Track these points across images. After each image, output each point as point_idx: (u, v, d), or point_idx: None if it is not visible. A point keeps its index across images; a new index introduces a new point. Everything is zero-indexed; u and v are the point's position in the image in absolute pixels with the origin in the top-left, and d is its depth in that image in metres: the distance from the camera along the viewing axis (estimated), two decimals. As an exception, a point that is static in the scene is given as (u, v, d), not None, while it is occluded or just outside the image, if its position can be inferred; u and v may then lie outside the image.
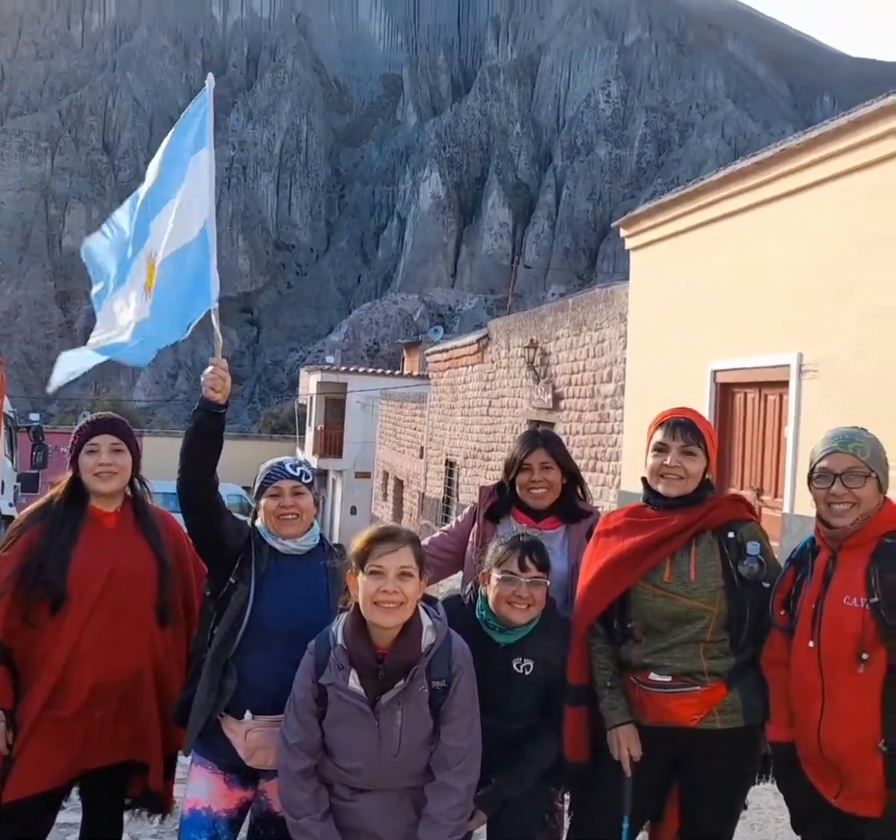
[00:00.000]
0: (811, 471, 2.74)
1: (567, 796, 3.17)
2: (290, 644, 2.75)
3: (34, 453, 14.93)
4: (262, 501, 2.97)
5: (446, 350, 20.81)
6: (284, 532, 2.95)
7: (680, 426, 2.88)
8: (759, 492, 8.96)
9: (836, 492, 2.66)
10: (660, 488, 2.88)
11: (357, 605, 2.62)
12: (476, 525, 3.47)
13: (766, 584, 2.78)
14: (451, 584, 3.90)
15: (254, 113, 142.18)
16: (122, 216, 3.46)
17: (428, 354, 23.03)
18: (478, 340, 18.08)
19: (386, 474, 27.42)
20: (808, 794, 2.72)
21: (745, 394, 9.35)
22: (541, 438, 3.44)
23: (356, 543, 2.65)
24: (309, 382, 35.99)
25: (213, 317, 3.02)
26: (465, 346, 19.12)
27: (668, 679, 2.80)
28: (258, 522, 3.02)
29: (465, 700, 2.67)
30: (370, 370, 35.92)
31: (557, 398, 13.93)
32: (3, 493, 13.61)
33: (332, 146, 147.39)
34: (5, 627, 2.98)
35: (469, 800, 2.70)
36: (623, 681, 2.91)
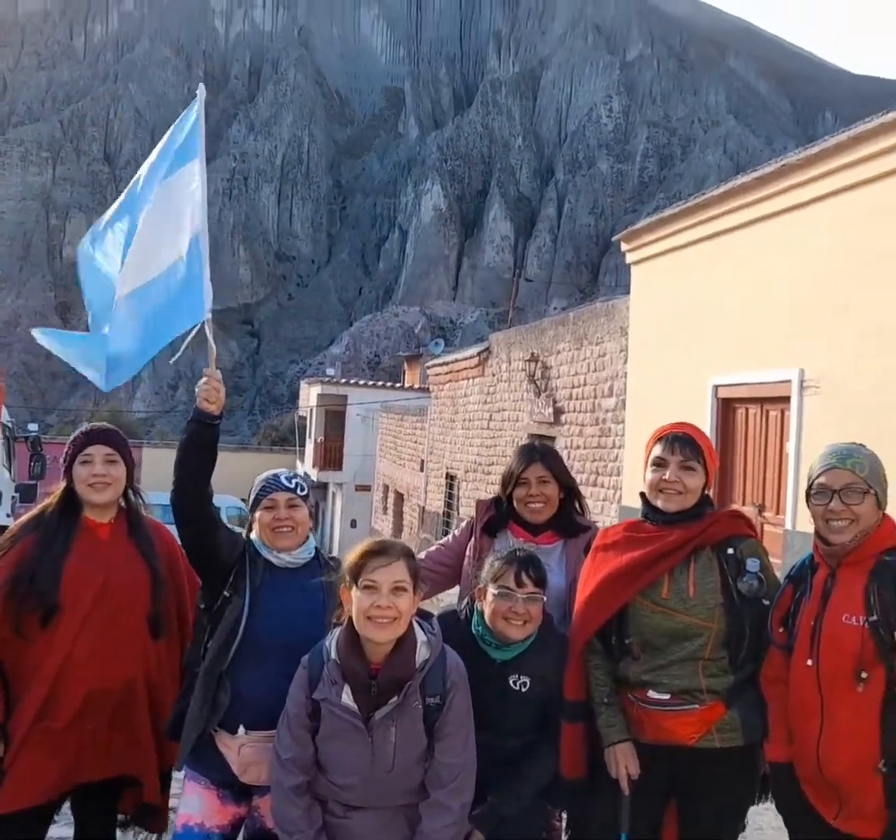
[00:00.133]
0: (809, 487, 2.72)
1: (564, 814, 3.13)
2: (285, 658, 2.72)
3: (32, 464, 14.90)
4: (257, 514, 2.95)
5: (447, 363, 20.81)
6: (279, 545, 2.93)
7: (679, 441, 2.86)
8: (761, 508, 8.93)
9: (835, 508, 2.64)
10: (658, 503, 2.86)
11: (351, 619, 2.59)
12: (473, 539, 3.45)
13: (766, 602, 2.76)
14: (450, 598, 3.88)
15: (255, 124, 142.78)
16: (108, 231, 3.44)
17: (428, 367, 23.03)
18: (479, 354, 18.07)
19: (386, 487, 27.37)
20: (807, 815, 2.69)
21: (747, 409, 9.33)
22: (538, 452, 3.42)
23: (350, 557, 2.62)
24: (309, 394, 35.98)
25: (207, 328, 3.01)
26: (465, 359, 19.11)
27: (667, 697, 2.78)
28: (253, 535, 2.99)
29: (460, 717, 2.64)
30: (371, 383, 35.91)
31: (558, 412, 13.91)
32: (0, 503, 13.58)
33: (333, 158, 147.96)
34: None
35: (464, 818, 2.67)
36: (621, 698, 2.88)
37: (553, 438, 13.58)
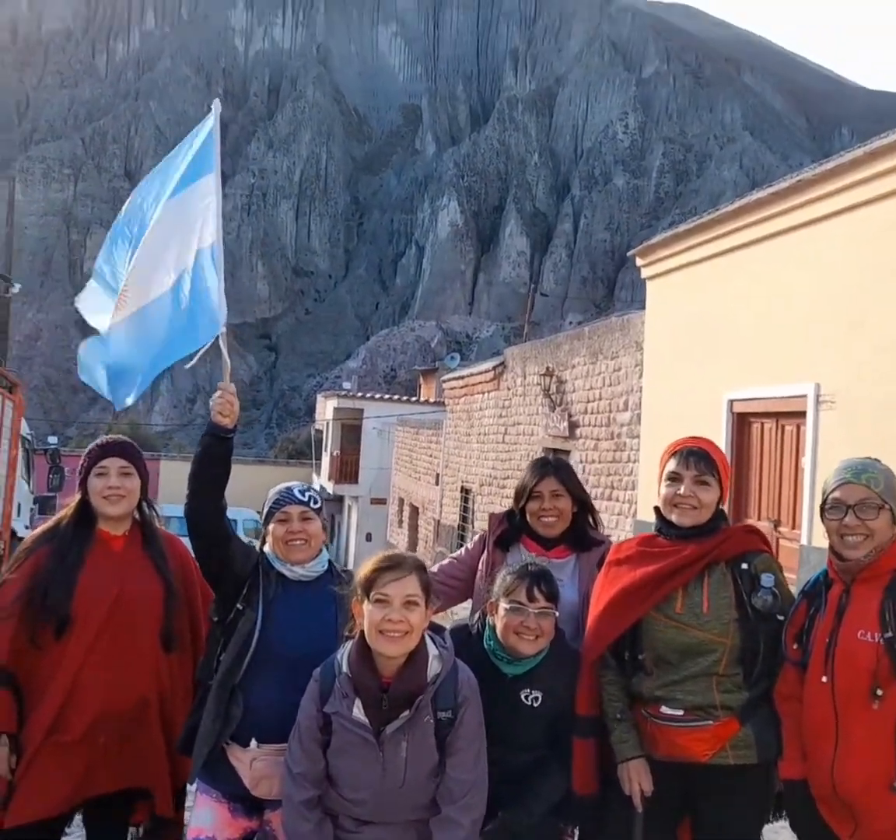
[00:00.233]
0: (824, 502, 2.71)
1: (576, 831, 3.11)
2: (297, 671, 2.72)
3: (51, 476, 14.99)
4: (271, 527, 2.95)
5: (462, 377, 20.82)
6: (293, 558, 2.93)
7: (693, 455, 2.84)
8: (777, 523, 8.88)
9: (849, 523, 2.62)
10: (673, 518, 2.85)
11: (363, 633, 2.59)
12: (486, 553, 3.44)
13: (781, 617, 2.73)
14: (464, 612, 3.86)
15: (274, 142, 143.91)
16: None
17: (444, 381, 23.05)
18: (494, 368, 18.08)
19: (401, 501, 27.36)
20: (822, 834, 2.66)
21: (762, 424, 9.28)
22: (552, 466, 3.41)
23: (362, 571, 2.62)
24: (326, 408, 36.07)
25: (221, 342, 3.02)
26: (481, 373, 19.12)
27: (680, 713, 2.75)
28: (266, 548, 2.99)
29: (471, 732, 2.63)
30: (387, 396, 35.96)
31: (573, 426, 13.89)
32: (19, 515, 13.65)
33: (351, 174, 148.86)
34: (11, 650, 2.97)
35: (475, 834, 2.65)
36: (634, 713, 2.86)
37: (568, 452, 13.55)
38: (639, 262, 11.79)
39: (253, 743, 2.81)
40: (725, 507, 2.95)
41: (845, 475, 2.67)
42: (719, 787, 2.75)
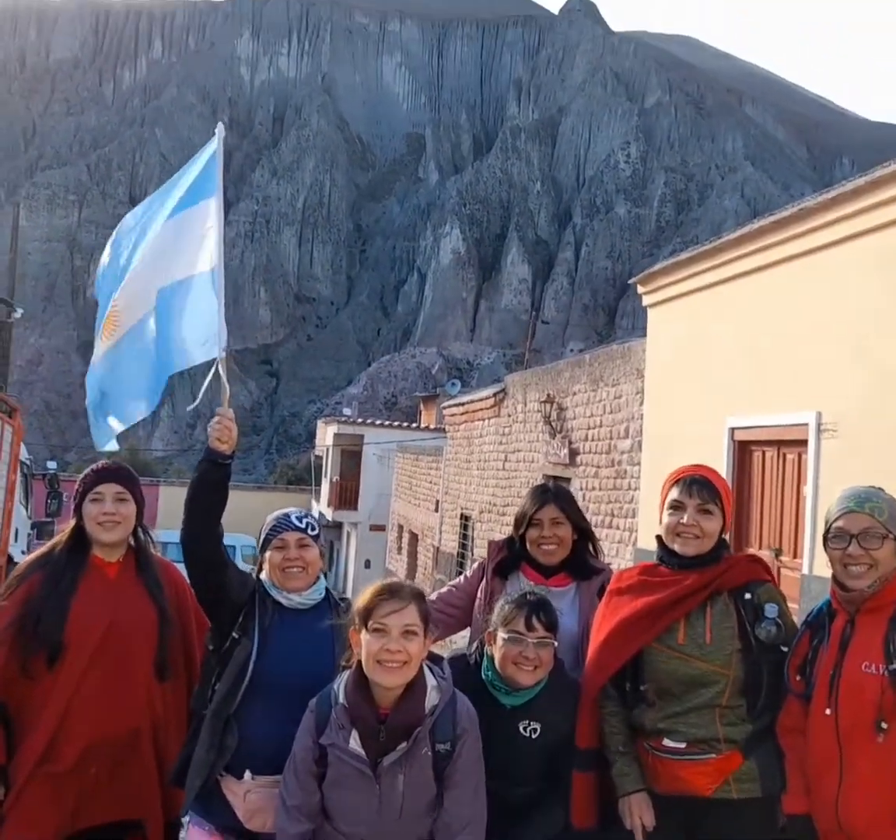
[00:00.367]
0: (827, 531, 2.68)
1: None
2: (293, 701, 2.67)
3: (49, 501, 14.93)
4: (267, 554, 2.92)
5: (463, 404, 20.82)
6: (290, 585, 2.89)
7: (696, 483, 2.82)
8: (778, 552, 8.82)
9: (853, 553, 2.59)
10: (676, 547, 2.81)
11: (360, 663, 2.55)
12: (484, 581, 3.40)
13: (785, 648, 2.70)
14: (462, 640, 3.82)
15: (278, 169, 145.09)
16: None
17: (445, 408, 23.05)
18: (494, 394, 18.08)
19: (401, 527, 27.26)
20: (827, 870, 2.61)
21: (764, 452, 9.25)
22: (552, 493, 3.39)
23: (360, 600, 2.58)
24: (326, 434, 36.06)
25: (220, 367, 3.00)
26: (481, 399, 19.12)
27: (683, 745, 2.71)
28: (263, 575, 2.96)
29: (470, 764, 2.58)
30: (387, 423, 35.96)
31: (574, 453, 13.85)
32: (16, 540, 13.58)
33: (354, 202, 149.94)
34: (2, 679, 2.93)
35: None
36: (635, 746, 2.81)
37: (568, 480, 13.51)
38: (640, 289, 11.82)
39: (247, 775, 2.76)
40: (728, 536, 2.91)
41: (848, 504, 2.64)
42: (723, 822, 2.70)
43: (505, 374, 25.77)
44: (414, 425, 34.65)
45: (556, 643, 2.85)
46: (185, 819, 2.95)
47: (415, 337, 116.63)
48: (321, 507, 33.71)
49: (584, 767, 2.82)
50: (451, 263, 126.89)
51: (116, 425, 3.30)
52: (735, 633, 2.71)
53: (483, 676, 2.89)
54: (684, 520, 2.79)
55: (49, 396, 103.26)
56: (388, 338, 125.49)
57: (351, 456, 32.61)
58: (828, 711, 2.55)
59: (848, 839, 2.54)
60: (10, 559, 10.45)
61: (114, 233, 3.47)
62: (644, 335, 12.07)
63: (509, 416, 17.20)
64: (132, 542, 3.21)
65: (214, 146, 3.21)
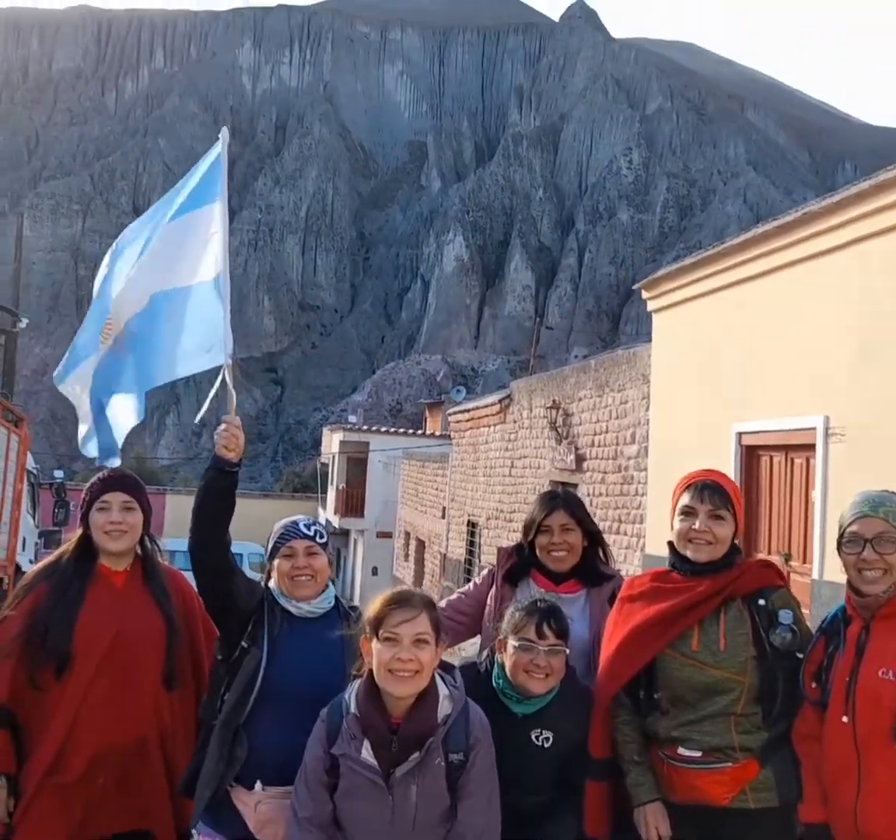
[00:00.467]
0: (840, 535, 2.64)
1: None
2: (304, 711, 2.64)
3: (56, 510, 14.92)
4: (276, 562, 2.89)
5: (468, 410, 20.80)
6: (298, 594, 2.86)
7: (708, 489, 2.79)
8: (787, 557, 8.78)
9: (867, 558, 2.56)
10: (688, 553, 2.78)
11: (371, 672, 2.52)
12: (494, 588, 3.38)
13: (800, 655, 2.66)
14: (473, 648, 3.79)
15: (281, 178, 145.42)
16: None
17: (450, 414, 23.03)
18: (500, 401, 18.06)
19: (407, 534, 27.23)
20: (845, 880, 2.57)
21: (771, 457, 9.22)
22: (561, 499, 3.36)
23: (370, 608, 2.55)
24: (331, 441, 36.04)
25: (226, 374, 2.97)
26: (487, 406, 19.10)
27: (698, 754, 2.67)
28: (271, 583, 2.93)
29: (484, 774, 2.55)
30: (392, 430, 35.95)
31: (580, 459, 13.83)
32: (24, 549, 13.57)
33: (357, 210, 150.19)
34: (11, 689, 2.91)
35: None
36: (649, 755, 2.78)
37: (575, 485, 13.48)
38: (645, 294, 11.80)
39: (258, 785, 2.73)
40: (739, 542, 2.89)
41: (862, 508, 2.61)
42: (740, 832, 2.66)
43: (509, 380, 25.77)
44: (419, 432, 34.64)
45: (567, 651, 2.82)
46: (195, 831, 2.92)
47: (419, 344, 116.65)
48: (327, 514, 33.68)
49: (598, 777, 2.79)
50: (455, 270, 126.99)
51: (118, 435, 3.26)
52: (749, 640, 2.68)
53: (494, 685, 2.86)
54: (696, 525, 2.76)
55: (55, 406, 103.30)
56: (392, 345, 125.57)
57: (357, 463, 32.59)
58: (845, 719, 2.52)
59: (866, 848, 2.50)
60: (17, 568, 10.46)
61: (114, 243, 3.44)
62: (648, 341, 12.05)
63: (515, 422, 17.18)
64: (139, 551, 3.19)
65: (218, 150, 3.17)
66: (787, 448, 8.89)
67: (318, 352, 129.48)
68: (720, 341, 9.87)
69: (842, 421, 7.86)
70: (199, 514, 2.82)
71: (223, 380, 2.95)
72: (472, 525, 19.66)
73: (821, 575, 7.93)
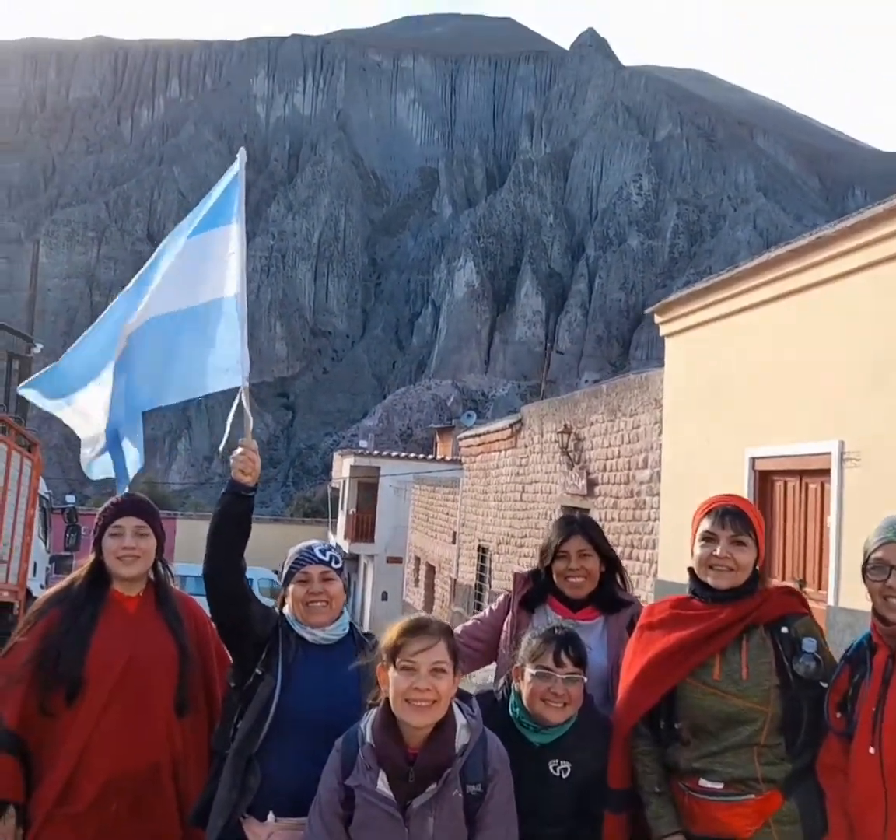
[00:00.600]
0: (865, 562, 2.59)
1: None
2: (318, 740, 2.59)
3: (67, 535, 14.91)
4: (290, 588, 2.85)
5: (479, 435, 20.76)
6: (313, 620, 2.82)
7: (729, 514, 2.74)
8: (802, 583, 8.68)
9: (893, 585, 2.51)
10: (709, 580, 2.73)
11: (387, 701, 2.47)
12: (510, 614, 3.33)
13: (824, 684, 2.60)
14: (485, 673, 3.73)
15: (294, 204, 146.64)
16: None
17: (461, 439, 22.99)
18: (511, 425, 18.02)
19: (418, 559, 27.11)
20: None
21: (785, 482, 9.15)
22: (578, 524, 3.32)
23: (387, 636, 2.50)
24: (342, 466, 36.02)
25: (244, 398, 2.95)
26: (497, 430, 19.06)
27: (720, 786, 2.61)
28: (286, 610, 2.89)
29: (502, 806, 2.49)
30: (403, 454, 35.92)
31: (592, 484, 13.76)
32: (35, 574, 13.55)
33: (369, 236, 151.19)
34: (21, 716, 2.88)
35: None
36: (670, 786, 2.72)
37: (587, 510, 13.41)
38: (657, 319, 11.78)
39: (270, 816, 2.68)
40: (760, 568, 2.83)
41: (887, 534, 2.56)
42: None
43: (519, 405, 25.75)
44: (430, 457, 34.60)
45: (585, 679, 2.77)
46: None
47: (430, 369, 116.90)
48: (338, 539, 33.59)
49: (617, 809, 2.73)
50: (466, 296, 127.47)
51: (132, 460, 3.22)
52: (772, 669, 2.62)
53: (510, 714, 2.81)
54: (717, 552, 2.71)
55: (68, 430, 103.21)
56: (403, 370, 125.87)
57: (367, 488, 32.55)
58: (871, 750, 2.45)
59: (893, 882, 2.43)
60: (28, 594, 10.42)
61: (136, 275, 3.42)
62: (658, 366, 12.02)
63: (526, 446, 17.13)
64: (152, 576, 3.16)
65: (236, 170, 3.17)
66: (801, 473, 8.82)
67: (329, 377, 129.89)
68: (733, 366, 9.83)
69: (857, 445, 7.80)
70: (214, 540, 2.78)
71: (239, 403, 2.93)
72: (482, 550, 19.57)
73: (836, 601, 7.83)
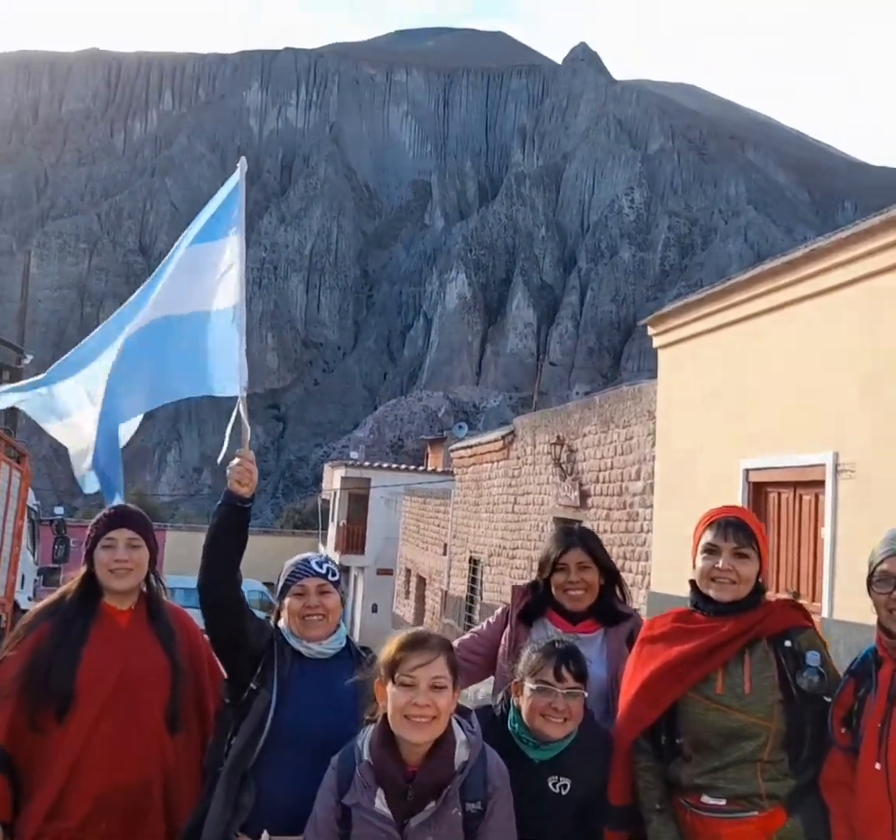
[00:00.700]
0: (871, 574, 2.57)
1: None
2: (315, 757, 2.54)
3: (56, 547, 14.80)
4: (286, 601, 2.80)
5: (471, 446, 20.72)
6: (309, 634, 2.77)
7: (731, 526, 2.70)
8: (796, 595, 8.65)
9: None
10: (711, 593, 2.69)
11: (385, 716, 2.41)
12: (508, 627, 3.29)
13: (828, 699, 2.57)
14: (485, 687, 3.68)
15: (286, 217, 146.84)
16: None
17: (452, 450, 22.95)
18: (503, 437, 17.99)
19: (408, 571, 27.02)
20: None
21: (779, 494, 9.13)
22: (577, 536, 3.28)
23: (386, 650, 2.45)
24: (333, 477, 35.94)
25: (241, 407, 2.92)
26: (490, 442, 19.03)
27: (723, 802, 2.57)
28: (281, 623, 2.84)
29: (502, 824, 2.44)
30: (394, 466, 35.86)
31: (584, 496, 13.73)
32: (23, 586, 13.44)
33: (361, 248, 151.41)
34: (10, 732, 2.82)
35: None
36: (671, 803, 2.67)
37: (579, 522, 13.36)
38: (651, 331, 11.78)
39: (265, 835, 2.62)
40: (764, 580, 2.80)
41: (893, 546, 2.54)
42: None
43: (510, 416, 25.77)
44: (421, 468, 34.54)
45: (586, 694, 2.72)
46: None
47: (421, 381, 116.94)
48: (328, 550, 33.47)
49: (617, 825, 2.69)
50: (457, 308, 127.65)
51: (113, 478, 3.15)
52: (775, 683, 2.58)
53: (509, 729, 2.76)
54: (720, 564, 2.67)
55: (57, 442, 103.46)
56: (394, 382, 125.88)
57: (358, 499, 32.47)
58: (877, 765, 2.42)
59: (897, 899, 2.39)
60: (16, 606, 10.32)
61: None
62: (649, 377, 12.02)
63: (518, 458, 17.10)
64: (144, 589, 3.10)
65: (236, 180, 3.15)
66: (795, 484, 8.81)
67: (320, 388, 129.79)
68: (727, 377, 9.83)
69: (851, 457, 7.79)
70: (210, 551, 2.74)
71: (238, 413, 2.89)
72: (474, 562, 19.50)
73: (831, 613, 7.81)
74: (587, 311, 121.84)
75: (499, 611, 3.46)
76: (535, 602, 3.26)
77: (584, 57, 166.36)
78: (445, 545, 22.04)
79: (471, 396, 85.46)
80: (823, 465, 8.10)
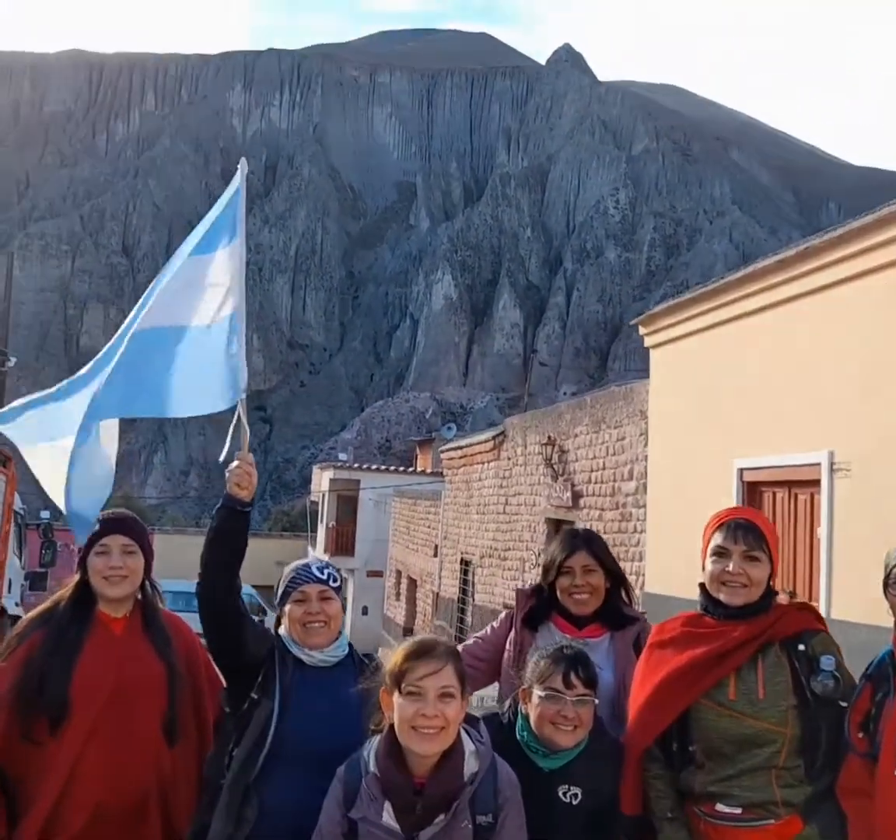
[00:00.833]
0: (887, 576, 2.52)
1: None
2: (318, 768, 2.46)
3: (43, 551, 14.67)
4: (287, 607, 2.73)
5: (461, 447, 20.66)
6: (311, 642, 2.70)
7: (741, 528, 2.64)
8: (792, 595, 8.62)
9: None
10: (721, 597, 2.63)
11: (392, 727, 2.33)
12: (513, 632, 3.22)
13: (843, 703, 2.51)
14: (489, 692, 3.61)
15: (270, 218, 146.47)
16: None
17: (442, 451, 22.88)
18: (493, 437, 17.94)
19: (399, 573, 26.94)
20: None
21: (774, 493, 9.09)
22: (582, 539, 3.22)
23: (392, 659, 2.37)
24: (321, 479, 35.82)
25: (240, 409, 2.85)
26: (480, 443, 18.97)
27: (738, 810, 2.51)
28: (282, 630, 2.76)
29: (513, 835, 2.37)
30: (384, 467, 35.77)
31: (576, 496, 13.68)
32: (10, 591, 13.31)
33: (346, 249, 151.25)
34: (3, 744, 2.74)
35: None
36: (684, 811, 2.61)
37: (572, 523, 13.33)
38: (642, 330, 11.74)
39: (268, 848, 2.55)
40: (775, 583, 2.74)
41: (908, 548, 2.49)
42: None
43: (498, 417, 25.74)
44: (410, 470, 34.46)
45: (596, 701, 2.66)
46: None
47: (408, 382, 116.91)
48: (317, 553, 33.36)
49: (629, 835, 2.63)
50: (443, 309, 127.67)
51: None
52: (789, 688, 2.52)
53: (517, 737, 2.69)
54: (730, 568, 2.61)
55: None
56: (381, 383, 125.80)
57: (347, 501, 32.37)
58: None
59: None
60: (3, 611, 10.21)
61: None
62: (636, 377, 11.98)
63: (509, 459, 17.04)
64: (139, 596, 3.03)
65: (237, 183, 3.08)
66: (790, 484, 8.77)
67: (306, 390, 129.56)
68: (719, 376, 9.79)
69: (847, 456, 7.75)
70: (208, 557, 2.66)
71: (238, 416, 2.82)
72: (465, 563, 19.44)
73: (828, 613, 7.77)
74: (574, 312, 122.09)
75: (502, 615, 3.39)
76: (539, 606, 3.20)
77: (567, 58, 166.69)
78: (436, 547, 21.97)
79: (458, 397, 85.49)
80: (819, 465, 8.06)
